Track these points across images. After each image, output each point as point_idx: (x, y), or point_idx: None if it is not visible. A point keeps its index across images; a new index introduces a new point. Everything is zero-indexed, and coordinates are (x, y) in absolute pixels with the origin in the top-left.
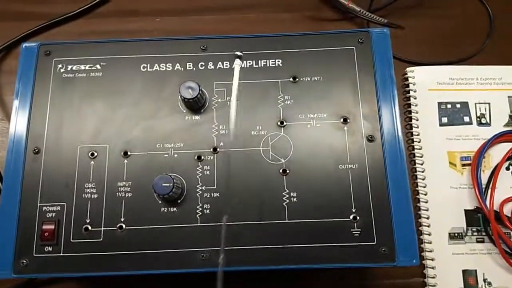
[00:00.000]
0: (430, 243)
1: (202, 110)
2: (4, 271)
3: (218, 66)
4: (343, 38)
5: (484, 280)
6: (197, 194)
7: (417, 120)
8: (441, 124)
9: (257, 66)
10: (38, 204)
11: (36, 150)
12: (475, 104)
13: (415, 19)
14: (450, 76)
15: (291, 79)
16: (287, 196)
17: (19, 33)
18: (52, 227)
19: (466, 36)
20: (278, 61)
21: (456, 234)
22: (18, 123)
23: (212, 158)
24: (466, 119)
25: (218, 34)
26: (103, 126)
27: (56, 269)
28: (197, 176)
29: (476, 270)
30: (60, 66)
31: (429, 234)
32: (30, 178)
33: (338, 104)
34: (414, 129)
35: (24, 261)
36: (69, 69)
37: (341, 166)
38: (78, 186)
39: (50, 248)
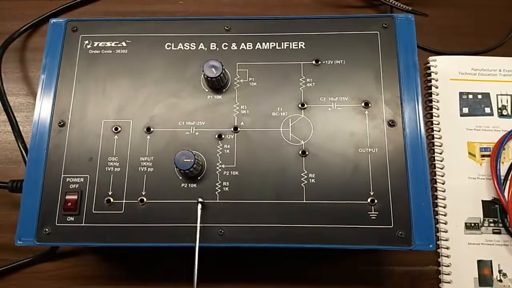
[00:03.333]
0: (446, 232)
1: (224, 90)
2: (28, 238)
3: (241, 47)
4: (367, 23)
5: (500, 271)
6: (217, 172)
7: (438, 109)
8: (462, 115)
9: (280, 48)
10: (62, 176)
11: (62, 123)
12: (497, 95)
13: (439, 8)
14: (472, 66)
15: (314, 62)
16: (306, 177)
17: (46, 11)
18: (75, 197)
19: (490, 27)
20: (301, 44)
21: (472, 224)
22: (44, 96)
23: (232, 137)
24: (487, 110)
25: None
26: (127, 102)
27: (77, 239)
28: (217, 154)
29: (491, 261)
30: (86, 42)
31: (446, 223)
32: (55, 150)
33: (360, 88)
34: (434, 118)
35: (47, 230)
36: (95, 45)
37: (360, 150)
38: (101, 159)
39: (72, 218)
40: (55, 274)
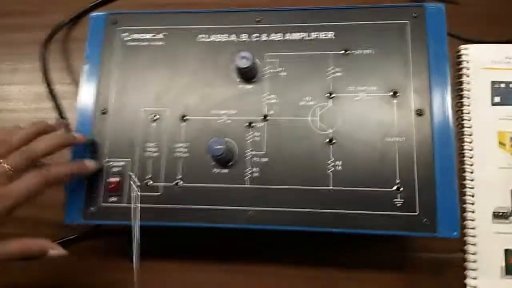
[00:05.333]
0: (473, 220)
1: (254, 80)
2: (76, 217)
3: (271, 37)
4: (397, 12)
5: None
6: (247, 158)
7: (469, 98)
8: (493, 104)
9: (309, 38)
10: (105, 159)
11: (104, 111)
12: None
13: None
14: (506, 55)
15: (343, 52)
16: (333, 164)
17: (87, 4)
18: (117, 179)
19: None
20: (330, 34)
21: (500, 214)
22: (87, 86)
23: (262, 125)
24: None
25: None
26: (164, 91)
27: (120, 217)
28: (248, 142)
29: None
30: (125, 34)
31: (473, 212)
32: (98, 135)
33: (388, 78)
34: (465, 107)
35: (93, 209)
36: (133, 37)
37: (388, 138)
38: (140, 145)
39: (115, 199)
40: (99, 251)
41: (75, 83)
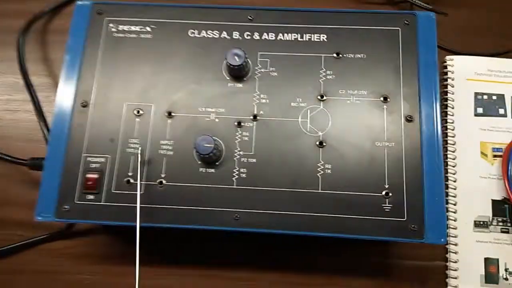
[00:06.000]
0: (455, 228)
1: (245, 79)
2: (48, 214)
3: (264, 37)
4: (389, 19)
5: (506, 270)
6: (235, 158)
7: (453, 108)
8: (476, 114)
9: (301, 39)
10: (83, 155)
11: (84, 104)
12: (511, 97)
13: (459, 8)
14: (488, 67)
15: (335, 55)
16: (322, 167)
17: None
18: (96, 176)
19: (508, 28)
20: (323, 36)
21: (481, 223)
22: (68, 77)
23: (251, 125)
24: (501, 111)
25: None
26: (150, 86)
27: (96, 217)
28: (236, 141)
29: (498, 259)
30: (111, 25)
31: (455, 220)
32: (77, 130)
33: (379, 83)
34: (449, 117)
35: (66, 207)
36: (120, 29)
37: (377, 143)
38: (122, 140)
39: (92, 197)
40: (69, 252)
41: (52, 75)
